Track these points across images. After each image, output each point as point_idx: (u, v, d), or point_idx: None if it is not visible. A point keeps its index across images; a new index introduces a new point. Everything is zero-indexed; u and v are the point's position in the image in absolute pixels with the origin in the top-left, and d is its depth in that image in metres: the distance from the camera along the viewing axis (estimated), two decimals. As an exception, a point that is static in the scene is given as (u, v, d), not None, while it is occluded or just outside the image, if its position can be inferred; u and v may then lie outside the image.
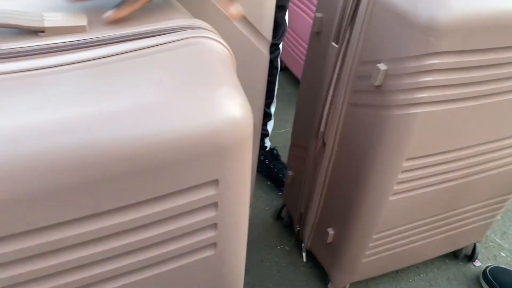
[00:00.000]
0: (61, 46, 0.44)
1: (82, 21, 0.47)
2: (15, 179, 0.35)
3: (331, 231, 1.08)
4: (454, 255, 1.37)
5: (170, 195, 0.43)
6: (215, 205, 0.48)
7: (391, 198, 0.91)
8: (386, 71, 0.77)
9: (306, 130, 1.09)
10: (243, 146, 0.45)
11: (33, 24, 0.45)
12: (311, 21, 1.74)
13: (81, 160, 0.36)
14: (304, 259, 1.29)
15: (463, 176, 0.96)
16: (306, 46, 1.92)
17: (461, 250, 1.33)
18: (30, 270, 0.41)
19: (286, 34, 1.99)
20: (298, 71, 2.11)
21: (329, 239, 1.09)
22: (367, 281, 1.26)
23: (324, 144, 1.01)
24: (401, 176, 0.87)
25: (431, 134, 0.82)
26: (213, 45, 0.48)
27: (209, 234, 0.51)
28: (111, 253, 0.45)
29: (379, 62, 0.77)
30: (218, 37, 0.50)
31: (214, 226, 0.51)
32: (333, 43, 0.89)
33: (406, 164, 0.85)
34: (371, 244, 1.02)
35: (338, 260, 1.10)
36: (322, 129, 0.99)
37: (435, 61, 0.71)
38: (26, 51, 0.43)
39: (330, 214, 1.08)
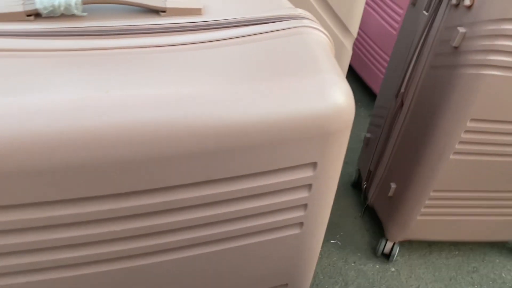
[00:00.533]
0: (181, 27, 0.47)
1: (199, 4, 0.51)
2: (116, 142, 0.39)
3: (393, 185, 1.20)
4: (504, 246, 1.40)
5: (272, 172, 0.47)
6: (309, 186, 0.52)
7: (452, 157, 1.01)
8: (464, 33, 0.89)
9: (389, 93, 1.23)
10: (344, 132, 0.48)
11: (156, 4, 0.48)
12: (383, 22, 1.76)
13: (201, 132, 0.41)
14: (361, 215, 1.45)
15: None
16: (378, 50, 1.84)
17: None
18: (125, 229, 0.46)
19: (358, 37, 1.94)
20: (368, 77, 1.94)
21: (391, 193, 1.21)
22: (419, 243, 1.37)
23: (402, 104, 1.13)
24: (464, 136, 0.98)
25: (497, 100, 0.91)
26: (318, 35, 0.51)
27: (298, 214, 0.55)
28: (215, 219, 0.50)
29: (460, 26, 0.90)
30: (320, 27, 0.53)
31: (305, 206, 0.54)
32: (424, 12, 1.06)
33: (470, 125, 0.96)
34: (427, 202, 1.12)
35: (395, 214, 1.23)
36: (402, 90, 1.13)
37: (510, 26, 0.82)
38: (150, 28, 0.46)
39: (395, 170, 1.20)
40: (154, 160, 0.41)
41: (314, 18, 0.55)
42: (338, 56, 0.90)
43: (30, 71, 0.41)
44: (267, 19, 0.51)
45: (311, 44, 0.49)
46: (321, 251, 1.34)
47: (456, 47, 0.93)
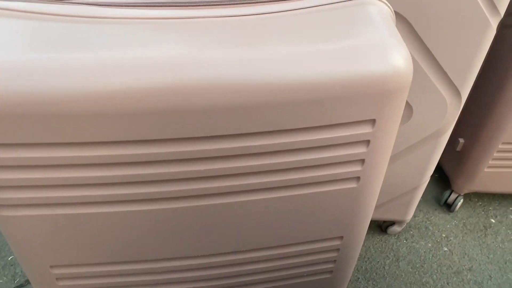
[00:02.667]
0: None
1: None
2: (189, 93, 0.45)
3: (461, 140, 1.26)
4: None
5: (334, 126, 0.52)
6: (367, 142, 0.55)
7: None
8: None
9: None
10: (402, 92, 0.51)
11: None
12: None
13: (278, 85, 0.47)
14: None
15: None
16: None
17: None
18: (203, 169, 0.53)
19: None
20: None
21: (459, 148, 1.27)
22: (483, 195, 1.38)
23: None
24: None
25: None
26: (380, 6, 0.56)
27: (356, 168, 0.58)
28: (274, 167, 0.55)
29: None
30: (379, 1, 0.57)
31: (362, 161, 0.58)
32: None
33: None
34: (495, 154, 1.18)
35: (462, 167, 1.28)
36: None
37: None
38: (198, 1, 0.52)
39: (464, 126, 1.26)
40: (237, 108, 0.48)
41: None
42: (482, 34, 0.83)
43: (135, 34, 0.48)
44: None
45: (373, 14, 0.54)
46: (373, 226, 1.33)
47: None
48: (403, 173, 1.11)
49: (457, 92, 0.93)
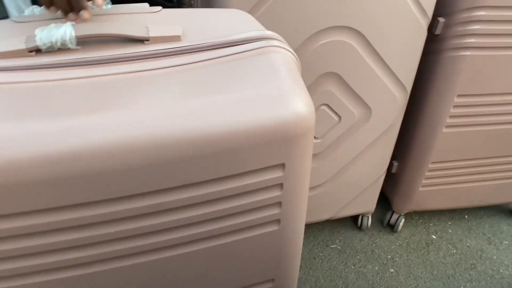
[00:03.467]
0: (162, 53, 0.54)
1: (178, 31, 0.57)
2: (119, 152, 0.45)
3: (395, 163, 1.32)
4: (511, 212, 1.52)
5: (245, 174, 0.53)
6: (281, 185, 0.57)
7: (445, 130, 1.14)
8: (443, 22, 1.04)
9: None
10: (306, 136, 0.53)
11: (141, 34, 0.55)
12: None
13: (182, 141, 0.47)
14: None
15: (510, 121, 1.16)
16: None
17: None
18: (111, 232, 0.51)
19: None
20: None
21: (394, 170, 1.33)
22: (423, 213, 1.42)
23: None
24: (453, 111, 1.11)
25: (478, 76, 1.06)
26: (284, 53, 0.58)
27: (274, 211, 0.60)
28: (191, 220, 0.54)
29: (440, 16, 1.05)
30: (287, 46, 0.60)
31: (279, 204, 0.59)
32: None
33: (457, 100, 1.09)
34: (427, 173, 1.24)
35: (399, 188, 1.33)
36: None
37: (481, 12, 0.97)
38: (136, 56, 0.53)
39: (396, 149, 1.30)
40: (139, 168, 0.47)
41: (282, 39, 0.61)
42: (411, 35, 1.01)
43: (35, 99, 0.48)
44: (238, 41, 0.58)
45: (277, 62, 0.56)
46: (321, 256, 1.38)
47: (437, 35, 1.08)
48: (366, 168, 1.25)
49: (403, 88, 1.10)
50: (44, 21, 0.59)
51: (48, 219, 0.48)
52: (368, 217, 1.43)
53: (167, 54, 0.54)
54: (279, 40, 0.60)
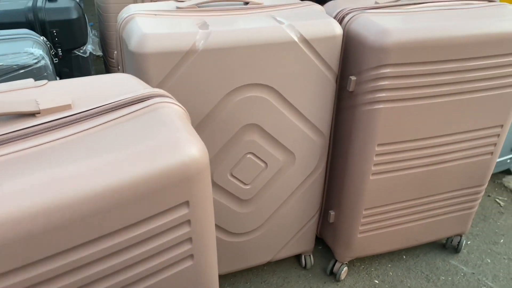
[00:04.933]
0: (57, 124, 0.58)
1: (68, 100, 0.62)
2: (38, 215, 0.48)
3: (332, 212, 1.37)
4: (444, 247, 1.59)
5: (155, 216, 0.59)
6: (189, 222, 0.63)
7: (372, 177, 1.21)
8: (355, 80, 1.14)
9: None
10: (203, 175, 0.61)
11: (31, 109, 0.58)
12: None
13: (84, 199, 0.51)
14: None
15: (430, 163, 1.25)
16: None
17: (448, 240, 1.57)
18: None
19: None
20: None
21: (331, 219, 1.37)
22: (364, 259, 1.46)
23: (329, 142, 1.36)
24: (376, 159, 1.19)
25: (394, 126, 1.15)
26: (172, 107, 0.67)
27: (186, 247, 0.65)
28: (109, 270, 0.58)
29: (351, 75, 1.14)
30: (175, 101, 0.69)
31: (190, 240, 0.65)
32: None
33: (378, 149, 1.17)
34: (362, 220, 1.29)
35: (338, 237, 1.37)
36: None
37: (387, 70, 1.07)
38: (32, 131, 0.57)
39: (332, 199, 1.38)
40: (45, 230, 0.51)
41: (169, 95, 0.70)
42: (322, 88, 1.13)
43: None
44: (129, 102, 0.65)
45: (168, 115, 0.64)
46: None
47: (352, 91, 1.11)
48: (298, 210, 1.32)
49: (321, 133, 1.20)
50: None
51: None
52: (309, 255, 1.48)
53: (60, 125, 0.58)
54: (167, 96, 0.69)
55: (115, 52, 1.11)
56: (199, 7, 1.11)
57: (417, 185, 1.29)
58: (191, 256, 0.67)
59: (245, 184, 1.17)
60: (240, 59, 0.98)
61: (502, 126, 1.28)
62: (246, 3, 1.16)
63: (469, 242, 1.60)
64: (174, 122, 0.63)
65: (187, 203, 0.62)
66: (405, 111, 1.14)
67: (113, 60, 1.86)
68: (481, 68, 1.14)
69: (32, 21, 1.48)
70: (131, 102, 0.66)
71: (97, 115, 0.63)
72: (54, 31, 1.56)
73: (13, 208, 0.48)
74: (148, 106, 0.65)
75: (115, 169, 0.54)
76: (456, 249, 1.55)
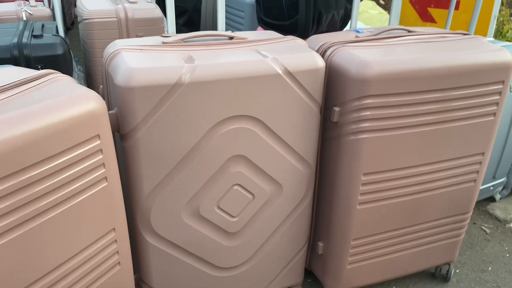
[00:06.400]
0: None
1: None
2: None
3: (320, 243, 1.35)
4: (433, 276, 1.57)
5: (77, 146, 0.82)
6: (101, 151, 0.87)
7: (359, 207, 1.22)
8: (339, 111, 1.16)
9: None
10: (104, 115, 0.86)
11: None
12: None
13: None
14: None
15: (416, 192, 1.26)
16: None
17: (437, 269, 1.55)
18: None
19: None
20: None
21: (320, 251, 1.35)
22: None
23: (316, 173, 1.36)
24: (363, 188, 1.20)
25: (378, 155, 1.17)
26: (65, 77, 0.92)
27: (101, 170, 0.89)
28: (38, 194, 0.77)
29: (335, 106, 1.17)
30: (63, 74, 0.93)
31: (103, 165, 0.89)
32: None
33: (364, 178, 1.18)
34: (351, 250, 1.28)
35: (327, 268, 1.35)
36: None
37: (369, 100, 1.10)
38: None
39: (319, 230, 1.37)
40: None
41: (58, 72, 0.94)
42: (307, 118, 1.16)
43: None
44: (35, 78, 0.89)
45: (68, 81, 0.90)
46: None
47: (336, 122, 1.13)
48: (286, 242, 1.31)
49: (307, 164, 1.21)
50: None
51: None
52: None
53: None
54: (57, 72, 0.93)
55: (101, 86, 1.11)
56: (184, 42, 1.13)
57: (404, 214, 1.29)
58: (105, 178, 0.90)
59: (232, 216, 1.16)
60: (226, 92, 1.00)
61: (483, 153, 1.31)
62: (231, 38, 1.19)
63: (457, 271, 1.60)
64: (74, 83, 0.90)
65: (98, 136, 0.86)
66: (389, 140, 1.16)
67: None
68: (460, 98, 1.18)
69: (17, 57, 1.49)
70: (36, 77, 0.89)
71: (11, 88, 0.84)
72: (39, 67, 1.56)
73: None
74: (50, 78, 0.89)
75: (36, 116, 0.76)
76: (445, 278, 1.54)
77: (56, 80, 0.89)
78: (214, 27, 2.73)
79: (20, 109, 0.76)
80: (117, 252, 0.99)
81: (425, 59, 1.14)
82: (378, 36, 1.28)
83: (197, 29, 2.85)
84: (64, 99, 0.81)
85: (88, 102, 0.83)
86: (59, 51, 1.59)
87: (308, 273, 1.51)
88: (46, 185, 0.79)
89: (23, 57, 1.55)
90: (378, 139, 1.14)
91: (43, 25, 1.77)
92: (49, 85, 0.87)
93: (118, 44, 1.09)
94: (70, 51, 1.82)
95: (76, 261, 0.90)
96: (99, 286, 0.98)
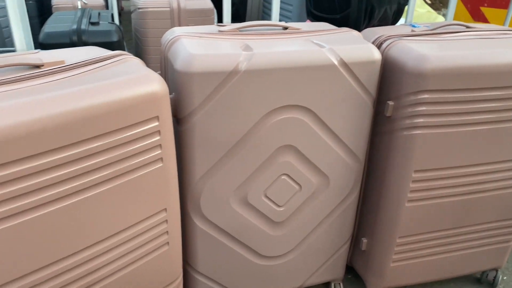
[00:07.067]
0: (54, 71, 0.85)
1: (61, 58, 0.92)
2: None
3: (364, 240, 1.34)
4: (479, 281, 1.52)
5: (138, 124, 0.85)
6: (159, 132, 0.90)
7: (407, 204, 1.19)
8: (393, 105, 1.13)
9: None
10: (165, 98, 0.89)
11: (36, 62, 0.86)
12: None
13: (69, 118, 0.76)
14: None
15: (468, 192, 1.22)
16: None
17: (483, 274, 1.51)
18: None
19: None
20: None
21: (363, 247, 1.34)
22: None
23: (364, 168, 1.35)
24: (413, 186, 1.17)
25: (432, 152, 1.14)
26: (134, 59, 0.96)
27: (158, 151, 0.91)
28: (96, 166, 0.81)
29: (389, 99, 1.14)
30: (134, 57, 0.97)
31: (160, 146, 0.91)
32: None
33: (415, 175, 1.16)
34: (396, 249, 1.26)
35: (370, 265, 1.34)
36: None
37: (424, 96, 1.08)
38: (36, 75, 0.83)
39: (364, 226, 1.35)
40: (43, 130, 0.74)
41: (129, 54, 0.99)
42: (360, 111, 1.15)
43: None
44: (106, 58, 0.94)
45: (136, 63, 0.94)
46: None
47: (389, 116, 1.11)
48: (330, 235, 1.30)
49: (356, 157, 1.20)
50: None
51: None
52: (339, 283, 1.44)
53: (57, 71, 0.85)
54: (128, 54, 0.98)
55: (158, 72, 1.15)
56: (240, 31, 1.15)
57: (453, 214, 1.26)
58: (161, 159, 0.92)
59: (278, 205, 1.17)
60: (281, 81, 1.01)
61: (542, 157, 1.25)
62: (285, 28, 1.19)
63: (505, 278, 1.54)
64: (142, 65, 0.94)
65: (157, 118, 0.88)
66: (443, 137, 1.13)
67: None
68: (521, 97, 1.13)
69: (75, 43, 1.55)
70: (108, 57, 0.94)
71: (84, 65, 0.89)
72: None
73: (22, 116, 0.71)
74: (121, 59, 0.94)
75: (102, 92, 0.80)
76: (491, 285, 1.49)
77: (126, 61, 0.93)
78: (259, 20, 2.76)
79: (88, 84, 0.80)
80: (167, 232, 1.02)
81: (485, 55, 1.10)
82: (435, 31, 1.25)
83: (243, 21, 2.87)
84: (129, 79, 0.84)
85: (151, 84, 0.85)
86: (115, 38, 1.65)
87: (349, 269, 1.49)
88: (104, 158, 0.82)
89: (81, 43, 1.62)
90: (432, 136, 1.12)
91: (99, 13, 1.84)
92: (119, 65, 0.90)
93: (177, 31, 1.12)
94: (123, 39, 1.88)
95: (126, 235, 0.93)
96: (146, 263, 1.01)
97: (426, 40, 1.18)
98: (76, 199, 0.81)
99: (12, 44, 1.40)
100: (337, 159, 1.17)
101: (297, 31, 1.18)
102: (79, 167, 0.79)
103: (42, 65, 0.86)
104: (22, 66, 0.86)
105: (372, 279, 1.36)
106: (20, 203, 0.74)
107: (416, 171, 1.16)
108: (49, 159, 0.75)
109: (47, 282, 0.83)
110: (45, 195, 0.77)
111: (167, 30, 1.19)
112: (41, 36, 1.66)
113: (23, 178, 0.73)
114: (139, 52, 2.02)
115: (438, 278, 1.41)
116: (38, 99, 0.73)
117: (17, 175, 0.72)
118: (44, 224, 0.78)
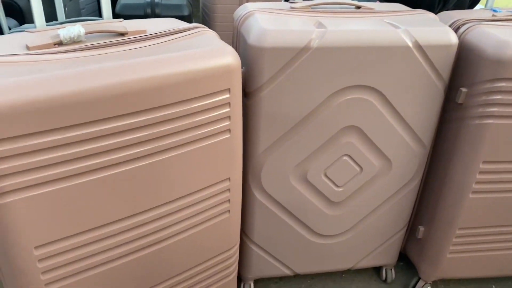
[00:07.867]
0: (137, 39, 0.90)
1: (144, 27, 0.96)
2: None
3: (421, 228, 1.32)
4: None
5: (211, 94, 0.89)
6: (229, 104, 0.92)
7: (471, 196, 1.15)
8: (466, 92, 1.09)
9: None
10: (237, 72, 0.91)
11: (122, 30, 0.92)
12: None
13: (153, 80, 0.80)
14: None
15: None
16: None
17: None
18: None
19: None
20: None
21: (420, 235, 1.32)
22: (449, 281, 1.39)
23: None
24: (479, 177, 1.13)
25: (503, 143, 1.09)
26: (211, 32, 0.98)
27: (227, 122, 0.94)
28: (169, 132, 0.86)
29: (462, 86, 1.10)
30: (209, 29, 0.99)
31: (229, 117, 0.94)
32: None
33: (483, 166, 1.12)
34: (455, 240, 1.23)
35: (426, 254, 1.32)
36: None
37: (502, 84, 1.02)
38: (122, 42, 0.89)
39: (422, 213, 1.33)
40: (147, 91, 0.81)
41: (205, 27, 1.01)
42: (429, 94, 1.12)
43: (61, 65, 0.78)
44: (184, 29, 0.98)
45: (212, 36, 0.96)
46: None
47: (461, 104, 1.09)
48: (387, 220, 1.30)
49: (422, 144, 1.18)
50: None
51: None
52: (391, 269, 1.43)
53: (140, 39, 0.90)
54: (205, 27, 1.01)
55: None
56: (312, 8, 1.14)
57: (522, 210, 1.20)
58: (229, 130, 0.95)
59: (337, 186, 1.17)
60: (352, 60, 1.00)
61: None
62: (358, 8, 1.17)
63: None
64: (217, 39, 0.96)
65: (228, 90, 0.90)
66: (516, 128, 1.08)
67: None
68: None
69: (149, 15, 1.62)
70: (186, 29, 0.98)
71: (165, 35, 0.93)
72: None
73: (111, 79, 0.77)
74: (198, 31, 0.97)
75: (177, 62, 0.83)
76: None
77: (203, 33, 0.96)
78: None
79: (168, 54, 0.84)
80: (229, 200, 1.06)
81: None
82: (519, 17, 1.18)
83: None
84: (205, 51, 0.87)
85: (225, 56, 0.88)
86: (186, 12, 1.71)
87: (401, 257, 1.48)
88: (177, 125, 0.86)
89: (154, 15, 1.69)
90: (505, 126, 1.07)
91: (171, -12, 1.90)
92: (196, 37, 0.94)
93: (250, 6, 1.13)
94: (192, 14, 1.94)
95: (193, 199, 0.98)
96: (208, 228, 1.06)
97: (507, 26, 1.12)
98: (152, 160, 0.87)
99: (87, 15, 1.50)
100: (401, 144, 1.15)
101: (370, 11, 1.15)
102: (155, 131, 0.84)
103: (127, 33, 0.92)
104: (109, 33, 0.92)
105: (426, 268, 1.34)
106: (110, 157, 0.81)
107: (484, 162, 1.11)
108: (133, 120, 0.80)
109: (127, 232, 0.91)
110: (128, 153, 0.83)
111: (235, 7, 1.21)
112: (117, 7, 1.75)
113: (115, 134, 0.80)
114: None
115: (495, 274, 1.37)
116: (124, 64, 0.79)
117: (110, 131, 0.80)
118: (125, 178, 0.85)
